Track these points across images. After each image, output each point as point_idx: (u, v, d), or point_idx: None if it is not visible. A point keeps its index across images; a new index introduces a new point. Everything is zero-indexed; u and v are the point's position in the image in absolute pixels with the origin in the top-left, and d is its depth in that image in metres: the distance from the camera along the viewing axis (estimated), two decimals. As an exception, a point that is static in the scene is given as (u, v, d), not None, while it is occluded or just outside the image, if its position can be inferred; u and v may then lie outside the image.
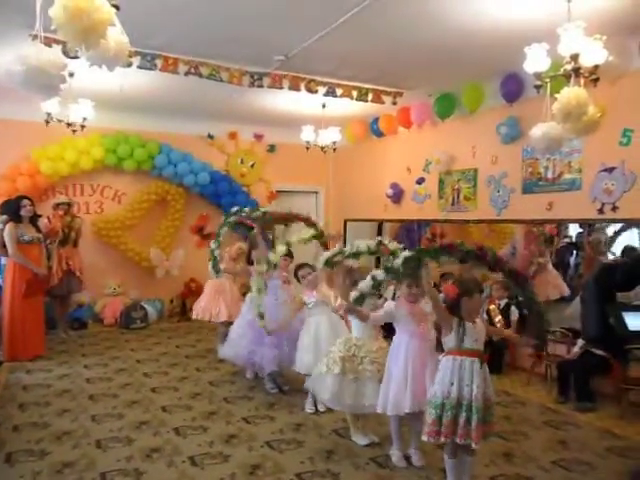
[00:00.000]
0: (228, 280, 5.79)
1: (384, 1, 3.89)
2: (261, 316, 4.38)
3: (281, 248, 4.47)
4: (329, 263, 3.79)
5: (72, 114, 5.59)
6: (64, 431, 3.76)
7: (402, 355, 3.21)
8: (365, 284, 3.23)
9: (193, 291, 7.86)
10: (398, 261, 3.11)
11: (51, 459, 3.33)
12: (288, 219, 4.94)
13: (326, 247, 4.60)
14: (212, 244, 5.31)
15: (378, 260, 6.23)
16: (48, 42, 3.98)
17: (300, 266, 4.39)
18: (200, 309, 5.78)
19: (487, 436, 2.89)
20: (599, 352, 4.27)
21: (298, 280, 4.40)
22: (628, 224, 4.86)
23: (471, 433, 2.74)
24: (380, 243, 3.67)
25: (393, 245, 3.63)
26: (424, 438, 2.87)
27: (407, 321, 3.23)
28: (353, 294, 3.30)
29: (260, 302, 4.39)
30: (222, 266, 5.51)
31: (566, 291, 5.62)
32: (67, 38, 2.27)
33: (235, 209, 5.31)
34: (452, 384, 2.80)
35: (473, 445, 2.75)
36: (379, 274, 3.22)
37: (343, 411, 3.73)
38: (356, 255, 3.73)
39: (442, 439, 2.79)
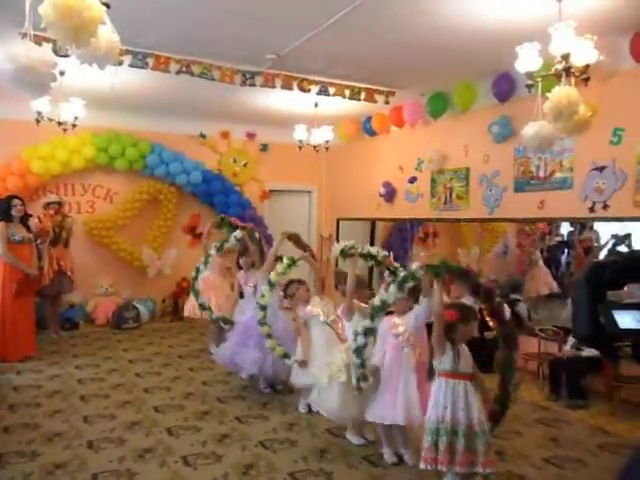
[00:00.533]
0: (219, 276, 5.77)
1: (376, 0, 3.89)
2: (269, 336, 4.29)
3: (281, 267, 4.24)
4: (344, 253, 3.72)
5: (63, 113, 5.55)
6: (55, 432, 3.73)
7: (395, 367, 3.24)
8: (391, 296, 3.15)
9: (185, 290, 7.82)
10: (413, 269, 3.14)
11: (42, 460, 3.30)
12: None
13: (314, 257, 4.59)
14: (204, 242, 5.35)
15: (371, 270, 6.27)
16: (38, 40, 3.94)
17: (289, 283, 4.33)
18: (191, 306, 5.78)
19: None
20: (590, 351, 4.31)
21: (285, 297, 4.36)
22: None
23: (478, 459, 2.71)
24: (386, 257, 3.75)
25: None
26: (421, 465, 2.83)
27: (386, 336, 3.28)
28: (376, 302, 3.21)
29: (266, 320, 4.29)
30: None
31: (555, 288, 5.67)
32: (57, 36, 2.25)
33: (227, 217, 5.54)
34: (445, 408, 2.78)
35: (480, 470, 2.72)
36: (394, 289, 3.17)
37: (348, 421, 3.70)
38: (366, 256, 3.75)
39: (439, 467, 2.76)
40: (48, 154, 6.98)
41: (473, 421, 2.75)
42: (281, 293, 4.51)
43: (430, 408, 2.86)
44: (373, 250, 3.76)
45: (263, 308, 4.24)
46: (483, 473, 2.77)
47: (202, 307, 5.38)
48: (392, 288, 3.14)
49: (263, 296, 4.24)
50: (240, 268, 5.20)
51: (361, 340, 3.19)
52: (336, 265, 4.39)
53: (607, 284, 1.55)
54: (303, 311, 4.14)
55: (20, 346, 5.54)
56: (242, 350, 4.53)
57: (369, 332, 3.19)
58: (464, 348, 2.89)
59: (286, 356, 4.20)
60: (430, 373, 2.94)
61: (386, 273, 3.78)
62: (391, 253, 3.84)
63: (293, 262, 4.15)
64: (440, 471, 2.84)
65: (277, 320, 4.49)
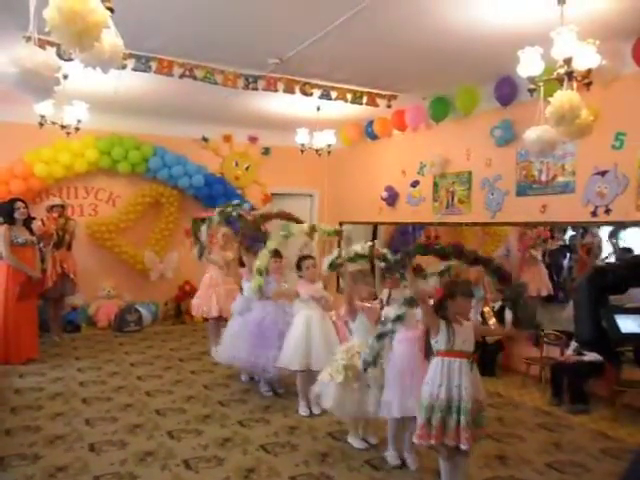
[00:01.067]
0: (221, 274, 5.75)
1: (378, 5, 3.91)
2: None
3: (264, 253, 4.42)
4: (333, 266, 3.80)
5: (66, 116, 5.57)
6: (57, 435, 3.74)
7: (405, 357, 3.25)
8: (430, 283, 3.26)
9: (187, 294, 7.84)
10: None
11: (44, 463, 3.31)
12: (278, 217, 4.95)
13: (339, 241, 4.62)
14: (203, 226, 5.44)
15: (373, 266, 6.26)
16: (42, 44, 3.96)
17: (304, 257, 4.37)
18: (195, 305, 5.80)
19: (478, 439, 2.91)
20: (592, 355, 4.30)
21: (299, 269, 4.36)
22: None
23: (460, 435, 2.75)
24: (373, 247, 3.70)
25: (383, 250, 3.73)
26: (415, 440, 2.89)
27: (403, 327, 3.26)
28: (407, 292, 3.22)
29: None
30: (213, 257, 5.56)
31: (550, 289, 5.70)
32: (61, 40, 2.26)
33: (234, 203, 5.55)
34: (440, 385, 2.82)
35: (462, 447, 2.76)
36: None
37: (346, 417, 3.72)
38: (353, 259, 3.74)
39: (432, 442, 2.80)
40: (51, 157, 7.01)
41: (461, 398, 2.77)
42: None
43: (425, 385, 2.89)
44: (358, 249, 3.71)
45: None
46: (462, 448, 2.78)
47: None
48: (432, 277, 3.26)
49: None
50: (243, 265, 5.15)
51: (388, 327, 3.20)
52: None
53: (609, 288, 1.55)
54: (306, 288, 4.21)
55: (23, 349, 5.55)
56: (263, 353, 4.47)
57: (398, 319, 3.19)
58: (464, 326, 2.88)
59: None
60: (428, 352, 2.97)
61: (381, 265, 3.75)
62: (375, 242, 3.86)
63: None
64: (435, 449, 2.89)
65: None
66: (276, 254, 4.59)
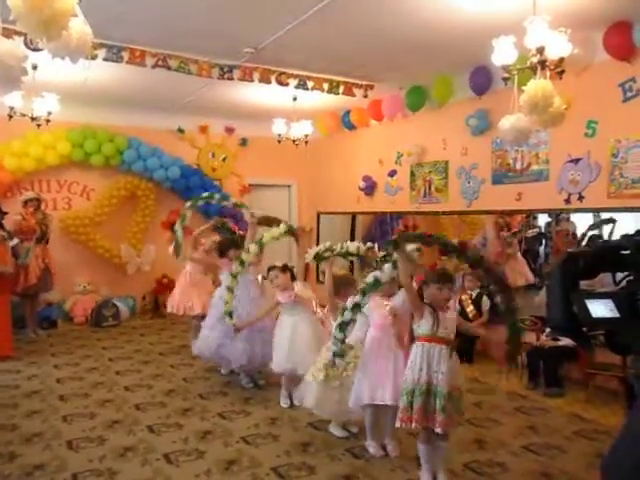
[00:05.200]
0: (200, 273, 5.71)
1: (353, -7, 3.89)
2: (230, 315, 4.32)
3: (253, 247, 4.40)
4: (319, 257, 3.77)
5: (36, 108, 5.44)
6: (34, 433, 3.68)
7: (380, 347, 3.27)
8: (385, 274, 3.15)
9: (166, 287, 7.76)
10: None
11: (21, 462, 3.25)
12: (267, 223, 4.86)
13: (297, 239, 4.59)
14: (177, 224, 5.30)
15: (351, 266, 6.27)
16: (9, 34, 3.86)
17: (270, 268, 4.34)
18: (174, 303, 5.72)
19: (457, 425, 2.98)
20: (567, 340, 4.39)
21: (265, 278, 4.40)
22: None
23: (436, 419, 2.80)
24: (370, 249, 3.66)
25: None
26: (397, 424, 2.93)
27: (374, 315, 3.30)
28: (369, 279, 3.19)
29: (230, 300, 4.33)
30: (196, 255, 5.50)
31: (531, 279, 5.78)
32: (27, 29, 2.20)
33: (205, 195, 5.48)
34: (421, 370, 2.86)
35: (436, 430, 2.81)
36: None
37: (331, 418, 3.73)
38: (346, 255, 3.73)
39: (413, 425, 2.84)
40: (21, 150, 6.84)
41: (437, 382, 2.83)
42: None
43: (407, 370, 2.94)
44: (352, 248, 3.69)
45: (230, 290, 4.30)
46: (440, 432, 2.84)
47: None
48: (387, 267, 3.15)
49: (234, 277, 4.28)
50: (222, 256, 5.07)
51: (347, 315, 3.19)
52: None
53: (581, 274, 1.58)
54: (282, 296, 4.18)
55: (-4, 346, 5.44)
56: (228, 342, 4.49)
57: (356, 307, 3.18)
58: (448, 316, 2.93)
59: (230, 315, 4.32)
60: (412, 338, 3.01)
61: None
62: (376, 245, 3.77)
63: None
64: (415, 432, 2.97)
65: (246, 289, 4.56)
66: (236, 246, 4.64)
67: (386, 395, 3.18)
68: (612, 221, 4.84)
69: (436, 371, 2.85)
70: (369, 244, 3.73)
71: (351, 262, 4.98)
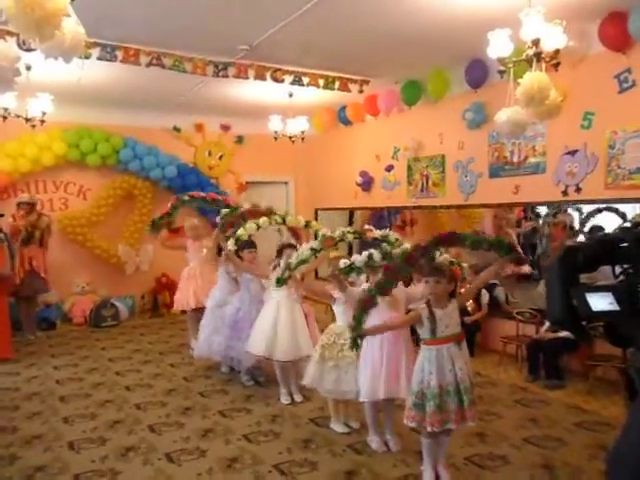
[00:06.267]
0: (199, 265, 5.66)
1: (347, -12, 3.87)
2: None
3: (230, 242, 4.37)
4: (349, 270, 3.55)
5: (30, 109, 5.41)
6: (34, 434, 3.67)
7: (377, 342, 3.24)
8: (360, 258, 3.14)
9: (164, 286, 7.76)
10: (398, 251, 3.18)
11: (22, 464, 3.25)
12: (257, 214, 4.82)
13: (294, 233, 4.60)
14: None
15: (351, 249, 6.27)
16: (1, 34, 3.84)
17: (286, 246, 4.33)
18: (176, 300, 5.73)
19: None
20: (566, 332, 4.40)
21: (279, 255, 4.30)
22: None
23: (465, 414, 2.80)
24: (368, 230, 3.69)
25: (383, 232, 3.64)
26: (405, 421, 2.92)
27: (381, 307, 3.26)
28: (343, 262, 3.19)
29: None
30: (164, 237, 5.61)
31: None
32: (19, 30, 2.19)
33: (200, 195, 5.56)
34: (431, 373, 2.83)
35: (470, 424, 2.84)
36: (376, 254, 3.14)
37: (325, 397, 3.75)
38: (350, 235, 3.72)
39: (429, 428, 2.81)
40: (16, 151, 6.82)
41: (458, 379, 2.82)
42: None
43: (415, 372, 2.92)
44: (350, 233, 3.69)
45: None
46: (470, 425, 2.88)
47: None
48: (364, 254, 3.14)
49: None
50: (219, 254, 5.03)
51: (372, 293, 3.06)
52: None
53: (580, 267, 1.57)
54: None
55: (-5, 349, 5.43)
56: (237, 344, 4.49)
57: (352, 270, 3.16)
58: (447, 309, 2.88)
59: None
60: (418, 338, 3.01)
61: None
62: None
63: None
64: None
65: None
66: (250, 245, 4.55)
67: (401, 390, 3.18)
68: (600, 212, 4.88)
69: (450, 370, 2.81)
70: (367, 225, 3.78)
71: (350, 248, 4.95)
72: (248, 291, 4.62)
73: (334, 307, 3.67)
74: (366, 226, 3.76)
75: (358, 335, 2.92)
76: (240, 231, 4.38)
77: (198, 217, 6.37)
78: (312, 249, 3.52)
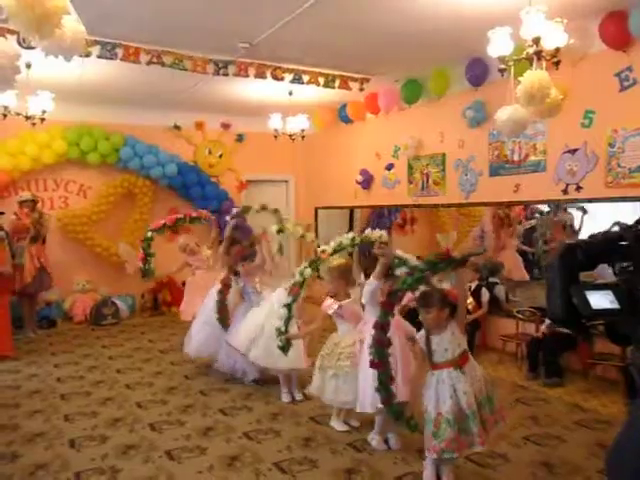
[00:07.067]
0: (203, 275, 5.61)
1: (348, -14, 3.87)
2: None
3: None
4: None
5: (31, 106, 5.41)
6: (35, 432, 3.68)
7: (365, 352, 3.23)
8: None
9: (165, 285, 7.76)
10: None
11: (23, 462, 3.26)
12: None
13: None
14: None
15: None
16: (1, 32, 3.84)
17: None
18: (184, 310, 5.70)
19: (498, 422, 2.90)
20: (565, 331, 4.41)
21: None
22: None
23: (474, 439, 2.74)
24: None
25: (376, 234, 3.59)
26: (427, 454, 2.85)
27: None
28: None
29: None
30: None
31: (526, 276, 5.85)
32: (19, 28, 2.19)
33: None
34: (430, 399, 2.81)
35: (479, 448, 2.76)
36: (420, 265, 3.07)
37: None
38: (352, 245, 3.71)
39: (426, 454, 2.82)
40: (17, 149, 6.82)
41: (462, 406, 2.75)
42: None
43: (423, 398, 2.89)
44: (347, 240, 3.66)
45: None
46: (481, 450, 2.82)
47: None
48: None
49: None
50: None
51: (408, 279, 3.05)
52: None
53: (580, 265, 1.58)
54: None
55: (-4, 346, 5.44)
56: (241, 357, 4.48)
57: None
58: (444, 333, 2.83)
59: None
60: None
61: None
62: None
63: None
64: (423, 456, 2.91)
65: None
66: (244, 259, 4.59)
67: (402, 393, 3.16)
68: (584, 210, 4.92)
69: (451, 397, 2.74)
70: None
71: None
72: (250, 303, 4.64)
73: (334, 318, 3.69)
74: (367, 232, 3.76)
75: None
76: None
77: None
78: (287, 305, 3.64)
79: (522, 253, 6.14)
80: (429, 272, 2.89)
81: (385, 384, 2.99)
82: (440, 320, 2.84)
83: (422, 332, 2.93)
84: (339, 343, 3.56)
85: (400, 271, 3.30)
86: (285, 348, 3.69)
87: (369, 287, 3.33)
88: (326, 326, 3.85)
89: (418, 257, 3.93)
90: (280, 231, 4.51)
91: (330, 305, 3.60)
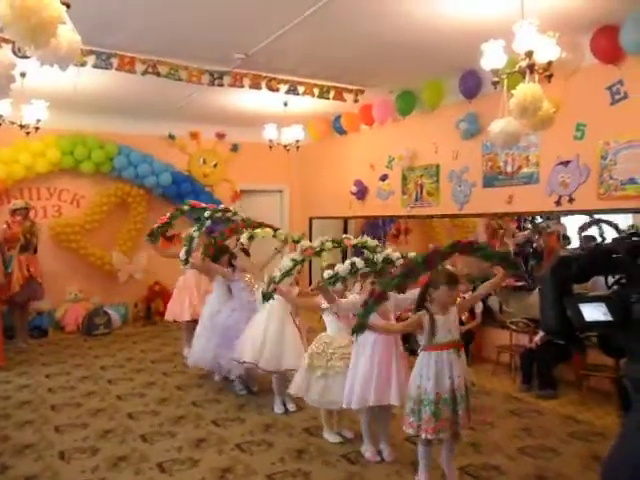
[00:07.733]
0: (194, 275, 5.60)
1: (343, -1, 3.90)
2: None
3: (244, 237, 4.36)
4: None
5: (25, 115, 5.39)
6: (25, 444, 3.63)
7: (368, 349, 3.23)
8: (343, 267, 3.15)
9: (158, 294, 7.72)
10: (379, 257, 3.22)
11: (12, 473, 3.21)
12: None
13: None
14: (194, 232, 4.92)
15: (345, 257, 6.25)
16: (-4, 41, 3.84)
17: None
18: (169, 309, 5.70)
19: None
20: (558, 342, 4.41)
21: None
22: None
23: (459, 421, 2.83)
24: (346, 238, 3.66)
25: (362, 239, 3.56)
26: (403, 428, 2.93)
27: (372, 315, 3.26)
28: (327, 272, 3.19)
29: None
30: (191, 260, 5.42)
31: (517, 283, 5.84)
32: (15, 37, 2.18)
33: (200, 205, 5.34)
34: (429, 379, 2.83)
35: (462, 430, 2.89)
36: (359, 261, 3.16)
37: (314, 406, 3.72)
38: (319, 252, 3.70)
39: (423, 435, 2.82)
40: (10, 158, 6.79)
41: (455, 387, 2.83)
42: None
43: (413, 377, 2.91)
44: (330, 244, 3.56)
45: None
46: (462, 433, 2.94)
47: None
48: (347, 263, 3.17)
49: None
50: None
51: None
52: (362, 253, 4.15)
53: (573, 278, 1.58)
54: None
55: (-14, 357, 5.38)
56: (225, 352, 4.46)
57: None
58: (448, 314, 2.89)
59: None
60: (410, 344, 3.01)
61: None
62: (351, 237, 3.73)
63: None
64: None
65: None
66: (228, 252, 4.66)
67: (392, 396, 3.16)
68: (598, 222, 4.89)
69: (449, 377, 2.82)
70: (345, 235, 3.77)
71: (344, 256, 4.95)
72: (239, 299, 4.62)
73: (324, 316, 3.65)
74: (344, 235, 3.75)
75: (361, 326, 2.87)
76: (259, 231, 4.39)
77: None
78: (293, 260, 3.46)
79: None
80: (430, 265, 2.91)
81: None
82: (454, 300, 2.95)
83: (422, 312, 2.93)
84: (331, 343, 3.52)
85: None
86: (267, 296, 3.48)
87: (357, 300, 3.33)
88: (316, 328, 3.83)
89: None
90: (251, 238, 4.46)
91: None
